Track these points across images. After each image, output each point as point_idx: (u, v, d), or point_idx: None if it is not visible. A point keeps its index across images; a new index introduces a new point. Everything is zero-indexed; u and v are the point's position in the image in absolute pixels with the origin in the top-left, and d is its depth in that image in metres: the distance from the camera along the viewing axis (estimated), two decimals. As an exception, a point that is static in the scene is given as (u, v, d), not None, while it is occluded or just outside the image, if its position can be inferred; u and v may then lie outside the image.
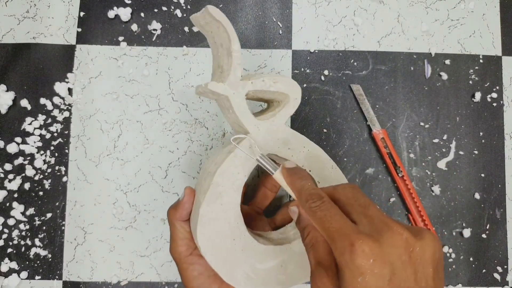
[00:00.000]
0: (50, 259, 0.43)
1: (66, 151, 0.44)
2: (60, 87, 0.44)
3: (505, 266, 0.44)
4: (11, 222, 0.43)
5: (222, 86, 0.32)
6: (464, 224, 0.44)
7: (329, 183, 0.35)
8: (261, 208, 0.41)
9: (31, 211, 0.44)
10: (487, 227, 0.44)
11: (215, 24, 0.32)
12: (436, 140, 0.45)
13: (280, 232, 0.38)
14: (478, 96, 0.45)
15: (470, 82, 0.46)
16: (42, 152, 0.44)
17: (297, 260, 0.34)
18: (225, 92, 0.32)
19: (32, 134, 0.44)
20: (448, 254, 0.44)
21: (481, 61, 0.46)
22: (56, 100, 0.44)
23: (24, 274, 0.43)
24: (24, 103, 0.44)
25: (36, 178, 0.44)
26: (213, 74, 0.35)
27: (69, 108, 0.45)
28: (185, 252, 0.33)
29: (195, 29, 0.46)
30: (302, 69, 0.46)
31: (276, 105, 0.36)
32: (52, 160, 0.44)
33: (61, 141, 0.44)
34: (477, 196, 0.45)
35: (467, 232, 0.44)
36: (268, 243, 0.34)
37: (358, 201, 0.26)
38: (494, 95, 0.46)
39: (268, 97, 0.36)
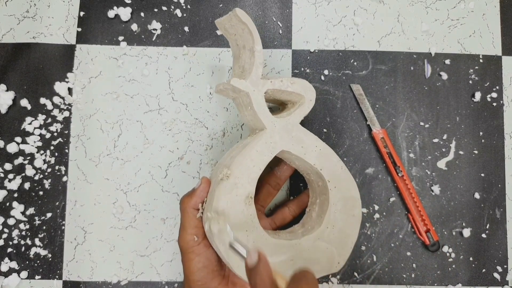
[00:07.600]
0: (50, 259, 0.43)
1: (66, 150, 0.44)
2: (60, 87, 0.44)
3: (505, 266, 0.44)
4: (11, 221, 0.43)
5: (244, 83, 0.34)
6: (464, 224, 0.44)
7: (338, 182, 0.37)
8: (264, 206, 0.41)
9: (31, 210, 0.44)
10: (487, 227, 0.44)
11: (240, 26, 0.34)
12: (436, 140, 0.45)
13: (288, 231, 0.39)
14: (478, 96, 0.45)
15: (470, 82, 0.46)
16: (42, 151, 0.44)
17: (306, 256, 0.35)
18: (246, 89, 0.34)
19: (32, 133, 0.44)
20: (448, 254, 0.44)
21: (481, 61, 0.46)
22: (56, 99, 0.44)
23: (24, 273, 0.43)
24: (24, 102, 0.44)
25: (36, 177, 0.44)
26: (233, 74, 0.37)
27: (69, 107, 0.45)
28: (193, 242, 0.33)
29: (195, 29, 0.46)
30: (302, 69, 0.46)
31: (291, 106, 0.38)
32: (52, 160, 0.44)
33: (61, 140, 0.44)
34: (477, 196, 0.45)
35: (467, 232, 0.44)
36: (279, 238, 0.35)
37: None
38: (494, 95, 0.46)
39: (285, 98, 0.38)
